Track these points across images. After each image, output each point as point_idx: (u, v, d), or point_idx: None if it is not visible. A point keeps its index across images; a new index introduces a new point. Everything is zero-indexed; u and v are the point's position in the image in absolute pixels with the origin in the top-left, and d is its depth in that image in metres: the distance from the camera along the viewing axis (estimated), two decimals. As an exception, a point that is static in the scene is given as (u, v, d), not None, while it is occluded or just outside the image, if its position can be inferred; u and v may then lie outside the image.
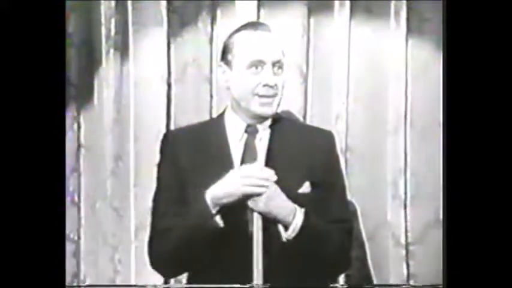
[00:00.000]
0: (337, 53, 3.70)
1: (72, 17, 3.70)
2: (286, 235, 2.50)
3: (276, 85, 2.57)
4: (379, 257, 3.66)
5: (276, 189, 2.48)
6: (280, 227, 2.50)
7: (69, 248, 3.76)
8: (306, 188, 2.57)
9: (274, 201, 2.47)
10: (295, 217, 2.49)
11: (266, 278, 2.47)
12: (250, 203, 2.47)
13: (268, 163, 2.57)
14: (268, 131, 2.64)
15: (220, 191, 2.48)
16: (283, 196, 2.49)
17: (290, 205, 2.50)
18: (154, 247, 2.67)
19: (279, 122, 2.69)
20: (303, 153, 2.61)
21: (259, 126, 2.64)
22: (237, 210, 2.50)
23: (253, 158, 2.56)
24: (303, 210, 2.51)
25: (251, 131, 2.63)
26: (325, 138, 2.70)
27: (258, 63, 2.57)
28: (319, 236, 2.54)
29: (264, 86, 2.56)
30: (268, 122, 2.66)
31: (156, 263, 2.68)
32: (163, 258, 2.65)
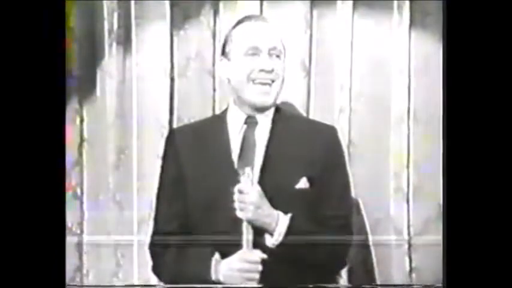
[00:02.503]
0: (340, 47, 3.70)
1: (74, 11, 3.70)
2: (271, 241, 2.51)
3: (272, 70, 2.57)
4: (381, 251, 3.65)
5: (262, 196, 2.48)
6: (266, 234, 2.50)
7: (71, 241, 3.77)
8: (303, 183, 2.56)
9: (261, 208, 2.48)
10: (278, 224, 2.49)
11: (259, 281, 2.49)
12: (238, 213, 2.48)
13: (268, 156, 2.57)
14: (270, 123, 2.63)
15: (223, 268, 2.53)
16: (267, 203, 2.49)
17: (273, 212, 2.50)
18: (155, 257, 2.70)
19: (282, 115, 2.68)
20: (304, 148, 2.61)
21: (260, 118, 2.63)
22: (228, 216, 2.51)
23: (252, 151, 2.56)
24: (287, 216, 2.51)
25: (250, 122, 2.63)
26: (328, 133, 2.68)
27: (254, 50, 2.59)
28: (306, 240, 2.54)
29: (261, 71, 2.57)
30: (270, 114, 2.65)
31: (156, 272, 2.71)
32: (162, 273, 2.68)
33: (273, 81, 2.58)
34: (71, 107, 3.75)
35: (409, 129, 3.72)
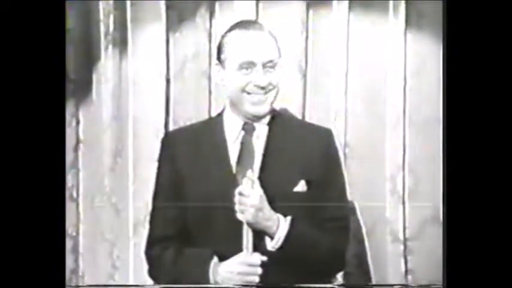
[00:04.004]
0: (336, 49, 3.71)
1: (71, 13, 3.69)
2: (271, 245, 2.52)
3: (269, 84, 2.56)
4: (377, 253, 3.66)
5: (263, 199, 2.48)
6: (266, 237, 2.52)
7: (67, 243, 3.76)
8: (301, 186, 2.57)
9: (262, 211, 2.48)
10: (279, 227, 2.50)
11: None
12: (238, 215, 2.48)
13: (265, 161, 2.57)
14: (266, 128, 2.63)
15: (222, 271, 2.53)
16: (268, 206, 2.50)
17: (274, 215, 2.51)
18: (151, 261, 2.70)
19: (278, 120, 2.66)
20: (301, 152, 2.60)
21: (257, 124, 2.63)
22: (228, 218, 2.52)
23: (250, 156, 2.56)
24: (288, 219, 2.52)
25: (248, 129, 2.62)
26: (324, 136, 2.68)
27: (248, 65, 2.54)
28: (307, 243, 2.54)
29: (255, 86, 2.55)
30: (267, 119, 2.65)
31: (152, 276, 2.70)
32: (158, 277, 2.68)
33: (267, 92, 2.56)
34: (68, 109, 3.74)
35: (404, 131, 3.73)
